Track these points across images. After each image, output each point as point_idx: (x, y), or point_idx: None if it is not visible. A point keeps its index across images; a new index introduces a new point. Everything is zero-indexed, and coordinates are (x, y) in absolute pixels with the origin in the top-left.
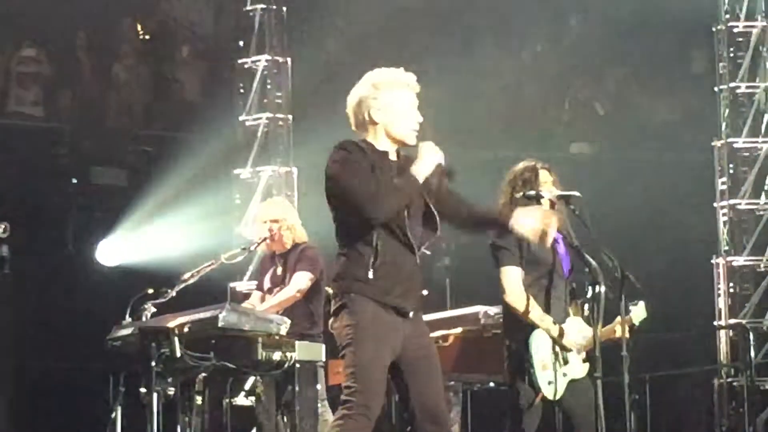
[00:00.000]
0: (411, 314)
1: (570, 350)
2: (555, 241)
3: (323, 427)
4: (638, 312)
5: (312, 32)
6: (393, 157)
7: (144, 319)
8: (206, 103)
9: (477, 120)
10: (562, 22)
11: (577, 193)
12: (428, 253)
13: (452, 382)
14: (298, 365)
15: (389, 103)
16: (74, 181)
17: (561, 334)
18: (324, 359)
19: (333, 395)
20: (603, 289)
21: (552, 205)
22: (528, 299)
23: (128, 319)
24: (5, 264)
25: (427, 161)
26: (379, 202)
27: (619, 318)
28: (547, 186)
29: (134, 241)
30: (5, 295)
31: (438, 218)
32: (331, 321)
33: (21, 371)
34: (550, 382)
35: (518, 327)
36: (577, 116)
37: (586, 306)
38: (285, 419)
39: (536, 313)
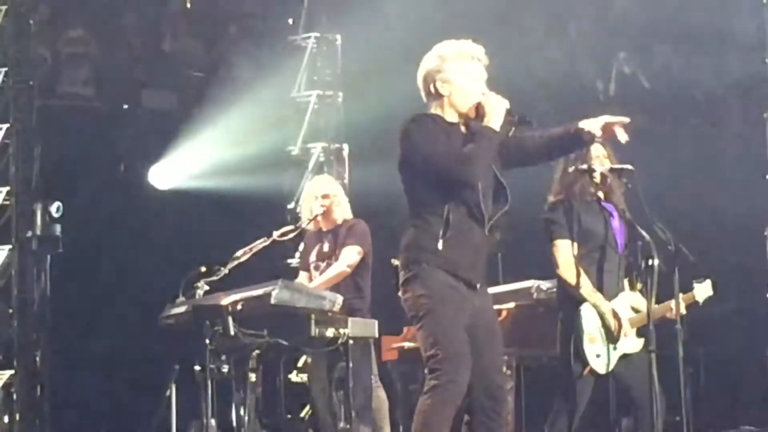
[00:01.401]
0: (479, 286)
1: (619, 328)
2: (609, 214)
3: (375, 404)
4: (704, 289)
5: (362, 8)
6: (462, 129)
7: (197, 297)
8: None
9: (525, 95)
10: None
11: (629, 167)
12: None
13: (506, 357)
14: (351, 341)
15: (453, 76)
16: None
17: (610, 311)
18: (376, 335)
19: (386, 371)
20: (656, 262)
21: (604, 178)
22: (579, 273)
23: (182, 297)
24: (59, 243)
25: (496, 111)
26: (469, 161)
27: (680, 295)
28: (599, 159)
29: (187, 164)
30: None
31: (508, 190)
32: (401, 292)
33: (83, 349)
34: (598, 356)
35: (570, 300)
36: (624, 90)
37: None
38: (339, 395)
39: (586, 287)
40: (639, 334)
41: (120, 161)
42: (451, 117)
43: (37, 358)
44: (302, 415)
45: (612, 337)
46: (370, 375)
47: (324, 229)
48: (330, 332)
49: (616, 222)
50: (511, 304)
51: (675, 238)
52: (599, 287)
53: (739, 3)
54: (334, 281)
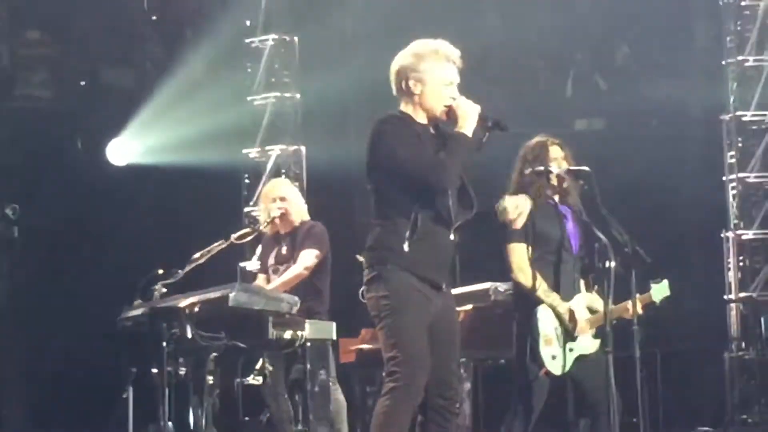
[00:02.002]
0: (443, 287)
1: (575, 327)
2: (564, 216)
3: (334, 406)
4: (661, 290)
5: (319, 9)
6: (432, 131)
7: (154, 299)
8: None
9: (482, 96)
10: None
11: (586, 168)
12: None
13: (463, 359)
14: (308, 344)
15: (427, 76)
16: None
17: (567, 311)
18: (334, 337)
19: (344, 373)
20: (613, 264)
21: (560, 180)
22: (534, 275)
23: (138, 299)
24: (15, 245)
25: (469, 116)
26: (443, 168)
27: (637, 295)
28: (557, 161)
29: (143, 141)
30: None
31: (473, 196)
32: (363, 290)
33: (38, 352)
34: (554, 357)
35: (525, 302)
36: (580, 92)
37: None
38: (297, 398)
39: (542, 288)
40: (595, 335)
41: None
42: (421, 117)
43: None
44: (261, 417)
45: (569, 337)
46: (328, 377)
47: (282, 232)
48: (288, 334)
49: (570, 224)
50: (469, 306)
51: (632, 239)
52: (555, 289)
53: (697, 3)
54: (292, 283)
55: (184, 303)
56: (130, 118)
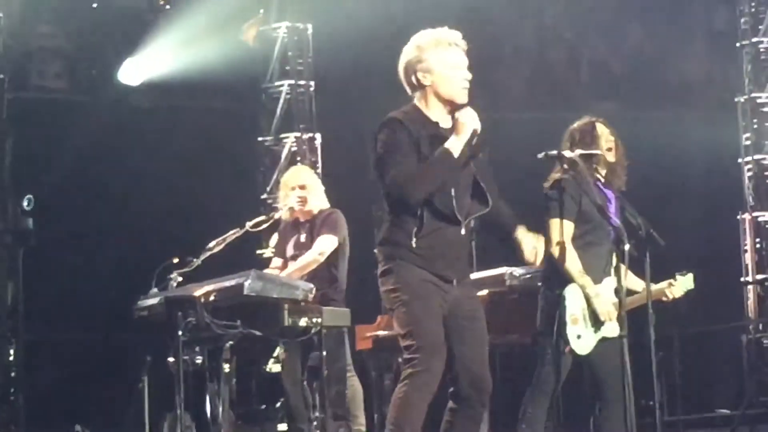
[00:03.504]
0: (455, 282)
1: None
2: (607, 199)
3: (350, 393)
4: (685, 283)
5: None
6: (446, 124)
7: (170, 288)
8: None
9: (499, 82)
10: None
11: (598, 152)
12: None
13: None
14: (324, 331)
15: (434, 65)
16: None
17: (596, 294)
18: (349, 324)
19: (360, 360)
20: (627, 247)
21: (574, 163)
22: (571, 253)
23: (154, 288)
24: (30, 237)
25: (465, 129)
26: (415, 184)
27: (665, 283)
28: (605, 138)
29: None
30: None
31: (487, 191)
32: (379, 284)
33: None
34: (579, 336)
35: (557, 279)
36: (596, 76)
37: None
38: (314, 385)
39: (575, 268)
40: (617, 318)
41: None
42: (435, 109)
43: (11, 352)
44: (277, 405)
45: (596, 321)
46: (344, 364)
47: (301, 220)
48: (303, 322)
49: (613, 207)
50: (484, 292)
51: (646, 222)
52: (588, 270)
53: None
54: (307, 269)
55: (199, 292)
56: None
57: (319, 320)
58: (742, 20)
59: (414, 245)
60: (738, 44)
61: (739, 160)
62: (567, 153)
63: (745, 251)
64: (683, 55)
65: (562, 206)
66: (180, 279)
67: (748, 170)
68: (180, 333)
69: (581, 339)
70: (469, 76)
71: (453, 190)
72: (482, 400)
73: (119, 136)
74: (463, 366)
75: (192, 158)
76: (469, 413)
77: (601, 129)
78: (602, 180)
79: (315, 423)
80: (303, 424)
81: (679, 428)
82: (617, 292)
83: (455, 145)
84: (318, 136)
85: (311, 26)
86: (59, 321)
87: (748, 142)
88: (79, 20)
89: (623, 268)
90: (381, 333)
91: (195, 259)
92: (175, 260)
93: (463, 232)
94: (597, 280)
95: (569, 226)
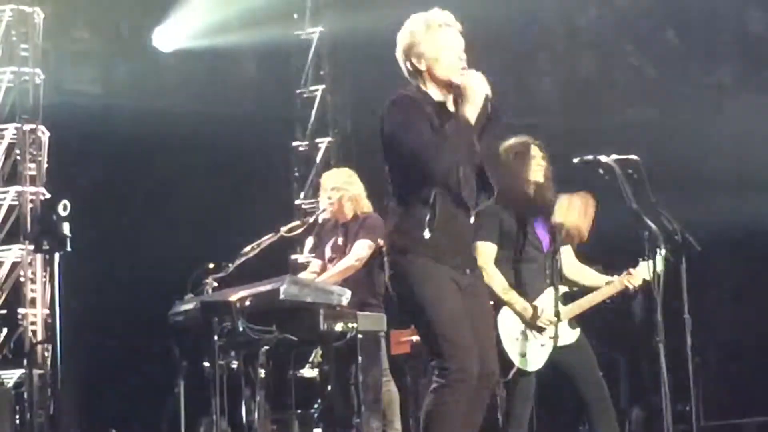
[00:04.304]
0: (468, 272)
1: (537, 326)
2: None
3: (386, 398)
4: (641, 272)
5: (366, 5)
6: (452, 107)
7: (205, 293)
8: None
9: (532, 89)
10: None
11: (634, 157)
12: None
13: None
14: (360, 336)
15: (427, 48)
16: None
17: (523, 308)
18: (386, 329)
19: (396, 365)
20: (663, 252)
21: (610, 169)
22: (495, 273)
23: (189, 294)
24: (67, 242)
25: (475, 95)
26: (436, 149)
27: (623, 275)
28: (537, 161)
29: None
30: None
31: (492, 181)
32: (388, 281)
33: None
34: (523, 354)
35: (494, 304)
36: (630, 81)
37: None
38: (351, 390)
39: (499, 286)
40: (573, 325)
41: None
42: (436, 92)
43: (48, 358)
44: (312, 410)
45: (536, 333)
46: (380, 369)
47: (341, 222)
48: (339, 327)
49: (539, 223)
50: None
51: (682, 227)
52: (523, 286)
53: None
54: (344, 275)
55: (235, 297)
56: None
57: (355, 325)
58: None
59: (426, 236)
60: None
61: None
62: (603, 158)
63: None
64: (717, 59)
65: (483, 229)
66: (215, 284)
67: None
68: (216, 338)
69: (528, 356)
70: (464, 55)
71: (463, 174)
72: (489, 384)
73: (154, 141)
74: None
75: (226, 163)
76: (474, 395)
77: (535, 151)
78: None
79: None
80: (345, 429)
81: None
82: (567, 298)
83: (470, 112)
84: (351, 140)
85: (343, 32)
86: (96, 325)
87: None
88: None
89: (659, 274)
90: (416, 338)
91: (230, 264)
92: (211, 265)
93: (472, 220)
94: (537, 295)
95: (492, 248)
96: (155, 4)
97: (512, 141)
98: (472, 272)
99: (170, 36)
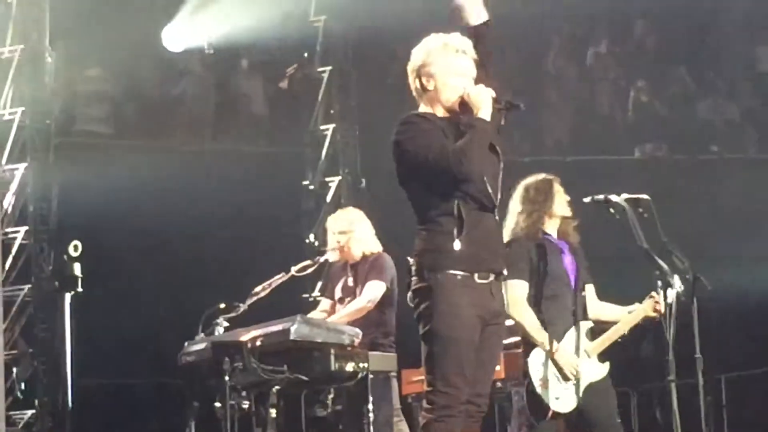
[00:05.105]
0: (504, 271)
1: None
2: (561, 250)
3: None
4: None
5: (376, 42)
6: (455, 125)
7: (216, 333)
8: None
9: (545, 124)
10: (626, 23)
11: (645, 196)
12: None
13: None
14: (371, 375)
15: (437, 69)
16: None
17: (555, 350)
18: (396, 369)
19: (408, 404)
20: (676, 290)
21: (620, 208)
22: (526, 311)
23: (201, 334)
24: (77, 282)
25: (483, 102)
26: (465, 154)
27: (648, 301)
28: (561, 197)
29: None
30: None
31: (500, 154)
32: (412, 300)
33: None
34: (557, 398)
35: (525, 342)
36: (641, 118)
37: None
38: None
39: (532, 325)
40: (602, 359)
41: None
42: (441, 113)
43: (59, 398)
44: None
45: (564, 378)
46: (391, 408)
47: (350, 263)
48: (350, 367)
49: (568, 258)
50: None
51: (693, 266)
52: (554, 324)
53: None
54: (356, 316)
55: (246, 337)
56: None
57: (366, 365)
58: None
59: (456, 249)
60: None
61: None
62: (613, 197)
63: None
64: (727, 97)
65: (514, 267)
66: (226, 324)
67: None
68: (227, 378)
69: (560, 399)
70: (472, 84)
71: (487, 178)
72: (479, 411)
73: (165, 180)
74: (472, 380)
75: (237, 202)
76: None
77: (557, 188)
78: (554, 234)
79: None
80: None
81: None
82: (594, 332)
83: (485, 114)
84: (363, 180)
85: (355, 70)
86: (107, 366)
87: None
88: (124, 64)
89: (671, 311)
90: None
91: (241, 304)
92: (222, 305)
93: (497, 218)
94: (563, 332)
95: (524, 286)
96: None
97: (531, 179)
98: (500, 277)
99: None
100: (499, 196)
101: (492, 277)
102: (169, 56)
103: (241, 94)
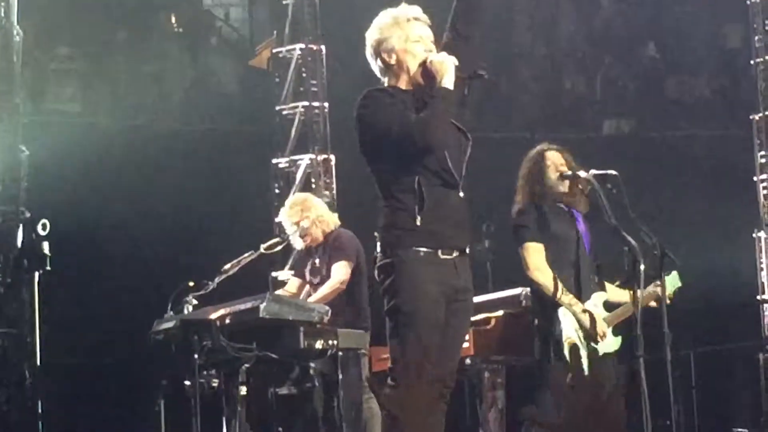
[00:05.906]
0: (468, 249)
1: (594, 328)
2: (575, 218)
3: (366, 414)
4: (672, 282)
5: (345, 19)
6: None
7: (185, 311)
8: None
9: (513, 101)
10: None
11: (614, 172)
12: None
13: (497, 366)
14: (341, 353)
15: (394, 42)
16: None
17: (582, 311)
18: (367, 346)
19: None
20: (643, 267)
21: (576, 182)
22: (551, 274)
23: (170, 312)
24: (46, 261)
25: (446, 69)
26: (429, 124)
27: (649, 289)
28: (554, 167)
29: None
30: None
31: (468, 135)
32: (376, 272)
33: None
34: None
35: (544, 304)
36: (609, 95)
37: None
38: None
39: (558, 288)
40: (615, 332)
41: None
42: (404, 85)
43: (27, 378)
44: (292, 428)
45: (590, 338)
46: (360, 386)
47: (313, 245)
48: (319, 344)
49: (581, 225)
50: (500, 312)
51: (661, 242)
52: (575, 288)
53: (727, 6)
54: (329, 297)
55: (215, 314)
56: None
57: (336, 342)
58: (756, 38)
59: (419, 224)
60: (752, 62)
61: (755, 178)
62: (582, 173)
63: (761, 269)
64: (696, 73)
65: (531, 230)
66: (195, 302)
67: (764, 188)
68: (196, 356)
69: (582, 360)
70: (432, 47)
71: (449, 152)
72: (445, 387)
73: (135, 159)
74: (439, 357)
75: (206, 180)
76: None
77: (552, 156)
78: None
79: None
80: None
81: None
82: (607, 305)
83: (447, 83)
84: (332, 157)
85: (324, 48)
86: (74, 345)
87: (763, 160)
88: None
89: (639, 289)
90: None
91: (210, 282)
92: (191, 283)
93: (461, 194)
94: (587, 297)
95: (541, 248)
96: None
97: (531, 152)
98: (464, 253)
99: None
100: (463, 173)
101: (456, 254)
102: (141, 35)
103: (211, 73)
